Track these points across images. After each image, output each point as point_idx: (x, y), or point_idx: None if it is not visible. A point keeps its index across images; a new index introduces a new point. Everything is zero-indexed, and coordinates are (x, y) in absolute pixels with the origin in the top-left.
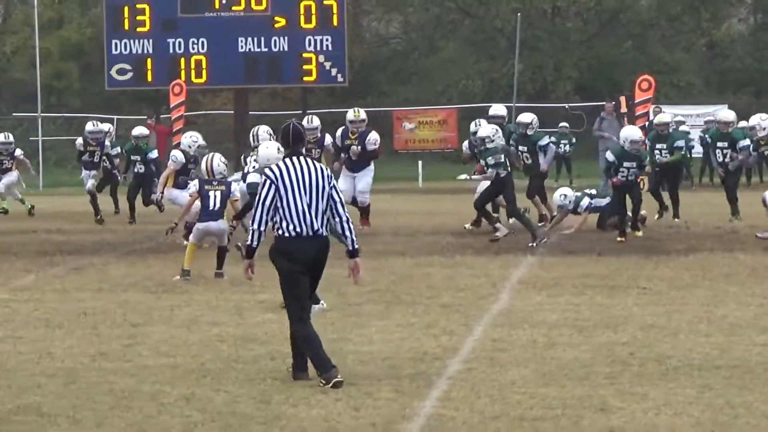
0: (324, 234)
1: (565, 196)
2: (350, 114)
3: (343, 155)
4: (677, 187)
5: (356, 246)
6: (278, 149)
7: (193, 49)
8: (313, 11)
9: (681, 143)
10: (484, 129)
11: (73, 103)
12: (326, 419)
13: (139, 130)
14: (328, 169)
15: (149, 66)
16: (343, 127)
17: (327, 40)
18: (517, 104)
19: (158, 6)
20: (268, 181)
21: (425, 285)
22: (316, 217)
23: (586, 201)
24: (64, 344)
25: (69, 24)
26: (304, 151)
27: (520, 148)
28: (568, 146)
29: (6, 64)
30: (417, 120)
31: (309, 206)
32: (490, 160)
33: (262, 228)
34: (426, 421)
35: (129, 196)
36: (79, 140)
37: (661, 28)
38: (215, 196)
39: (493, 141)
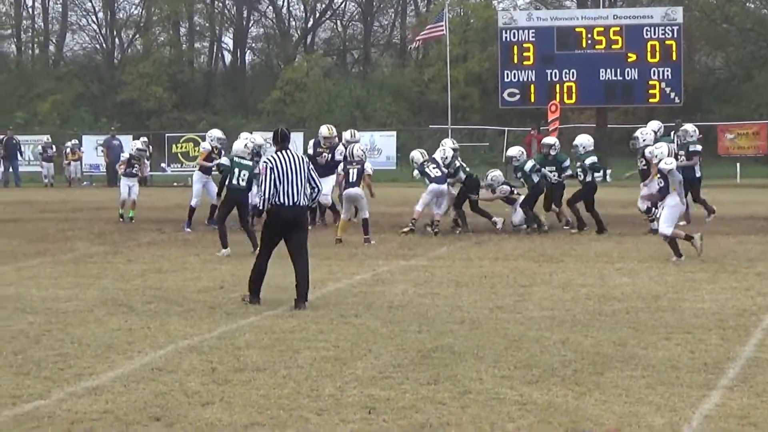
0: (302, 204)
1: None
2: (324, 131)
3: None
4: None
5: (313, 205)
6: (245, 145)
7: (566, 77)
8: (657, 49)
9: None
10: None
11: (474, 118)
12: (669, 359)
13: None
14: (306, 158)
15: (532, 90)
16: (314, 139)
17: (667, 70)
18: None
19: (540, 45)
20: (268, 167)
21: (744, 258)
22: (299, 192)
23: None
24: (470, 299)
25: (472, 58)
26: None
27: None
28: None
29: (425, 89)
30: (736, 132)
31: (296, 184)
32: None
33: (268, 196)
34: (746, 361)
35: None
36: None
37: None
38: (353, 173)
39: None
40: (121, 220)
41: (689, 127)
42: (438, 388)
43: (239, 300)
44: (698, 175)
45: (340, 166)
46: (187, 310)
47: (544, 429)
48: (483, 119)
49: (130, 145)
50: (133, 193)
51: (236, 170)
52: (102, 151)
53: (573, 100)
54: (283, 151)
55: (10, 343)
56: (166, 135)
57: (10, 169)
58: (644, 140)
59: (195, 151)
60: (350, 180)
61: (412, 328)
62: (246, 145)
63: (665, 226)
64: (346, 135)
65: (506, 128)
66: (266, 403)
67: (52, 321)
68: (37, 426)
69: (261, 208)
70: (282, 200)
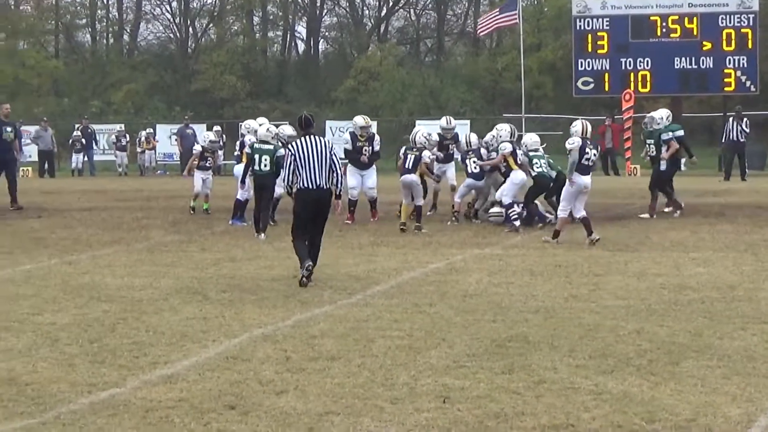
0: (325, 187)
1: None
2: (360, 121)
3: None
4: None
5: (340, 192)
6: (267, 129)
7: (640, 66)
8: (733, 37)
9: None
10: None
11: (548, 107)
12: (745, 349)
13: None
14: (330, 142)
15: (606, 79)
16: (350, 131)
17: (743, 59)
18: None
19: (614, 34)
20: (290, 154)
21: None
22: (321, 175)
23: None
24: (544, 288)
25: (545, 47)
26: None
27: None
28: None
29: (498, 78)
30: None
31: (316, 168)
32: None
33: (288, 183)
34: None
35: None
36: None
37: None
38: (410, 159)
39: None
40: (191, 212)
41: (656, 114)
42: (512, 378)
43: (297, 281)
44: (662, 167)
45: (402, 150)
46: (261, 299)
47: (619, 419)
48: (557, 108)
49: (202, 136)
50: (207, 186)
51: (257, 156)
52: (176, 140)
53: (647, 89)
54: (306, 137)
55: (86, 331)
56: (240, 124)
57: (85, 158)
58: (501, 136)
59: None
60: (407, 166)
61: (486, 317)
62: (268, 129)
63: (577, 209)
64: (417, 135)
65: (580, 117)
66: (341, 391)
67: (127, 309)
68: (113, 414)
69: (288, 191)
70: (306, 184)
